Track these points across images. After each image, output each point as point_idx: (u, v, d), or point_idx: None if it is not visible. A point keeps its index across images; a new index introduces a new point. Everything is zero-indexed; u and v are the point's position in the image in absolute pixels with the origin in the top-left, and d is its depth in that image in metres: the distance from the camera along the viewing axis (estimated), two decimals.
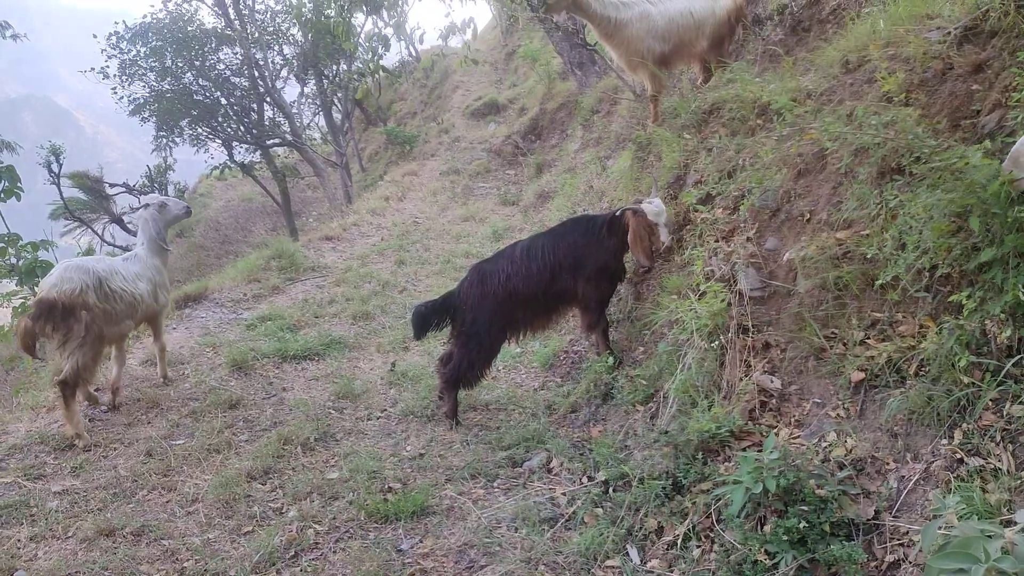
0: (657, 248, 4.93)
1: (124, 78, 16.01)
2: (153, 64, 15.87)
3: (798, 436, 3.38)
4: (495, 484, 4.22)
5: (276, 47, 17.65)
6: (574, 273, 4.95)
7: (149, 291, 5.40)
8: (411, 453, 4.63)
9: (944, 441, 2.83)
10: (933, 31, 3.85)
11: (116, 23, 15.95)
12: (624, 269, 5.15)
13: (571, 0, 5.97)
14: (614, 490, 3.79)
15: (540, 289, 4.94)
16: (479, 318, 4.93)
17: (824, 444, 3.22)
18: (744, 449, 3.38)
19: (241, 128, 17.46)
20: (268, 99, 17.46)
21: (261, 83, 17.15)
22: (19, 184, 7.17)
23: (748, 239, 4.26)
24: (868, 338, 3.33)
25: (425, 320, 5.08)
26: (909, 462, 2.91)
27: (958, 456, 2.75)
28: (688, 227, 4.99)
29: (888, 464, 2.98)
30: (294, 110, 18.65)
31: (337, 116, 18.98)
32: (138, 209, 5.79)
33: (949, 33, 3.73)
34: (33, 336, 4.82)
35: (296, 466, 4.48)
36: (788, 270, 3.95)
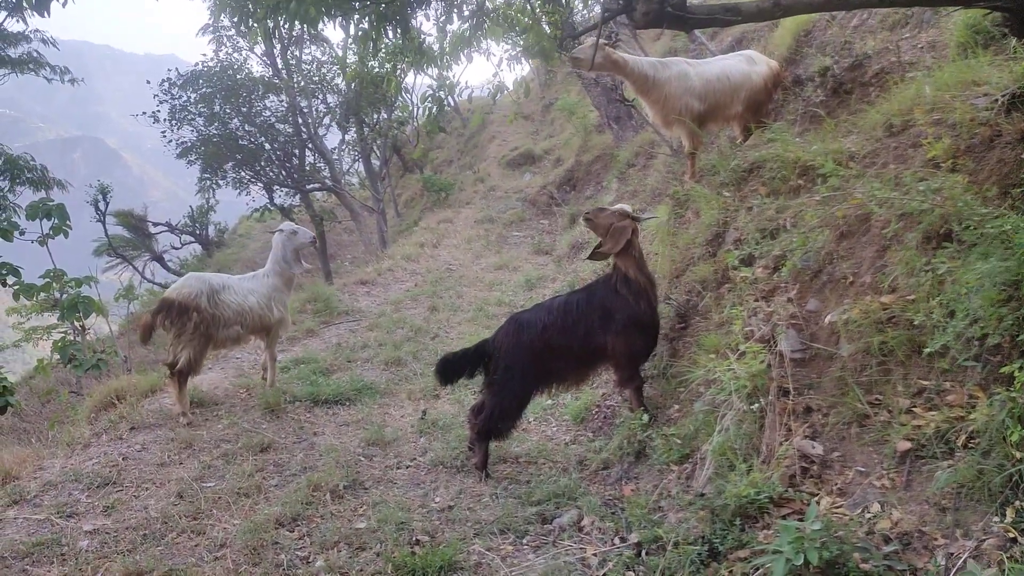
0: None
1: (174, 122, 16.59)
2: (202, 110, 16.44)
3: (841, 505, 3.27)
4: (524, 541, 4.12)
5: (320, 96, 18.17)
6: (605, 327, 4.91)
7: (261, 304, 6.18)
8: (440, 505, 4.57)
9: (996, 518, 2.72)
10: (980, 98, 3.83)
11: (169, 70, 16.62)
12: (658, 322, 5.10)
13: (606, 57, 6.08)
14: (647, 553, 3.68)
15: (576, 342, 4.90)
16: (513, 367, 4.90)
17: (868, 515, 3.11)
18: (784, 517, 3.27)
19: (283, 172, 17.92)
20: (310, 145, 17.94)
21: (304, 130, 17.63)
22: (68, 222, 7.36)
23: (789, 300, 4.20)
24: (915, 406, 3.24)
25: (452, 368, 5.09)
26: (959, 539, 2.80)
27: (1011, 535, 2.63)
28: (727, 285, 4.95)
29: (936, 540, 2.86)
30: (334, 156, 19.10)
31: (376, 163, 19.37)
32: (274, 232, 6.58)
33: (996, 100, 3.71)
34: (151, 328, 5.81)
35: (324, 514, 4.44)
36: (830, 333, 3.88)
